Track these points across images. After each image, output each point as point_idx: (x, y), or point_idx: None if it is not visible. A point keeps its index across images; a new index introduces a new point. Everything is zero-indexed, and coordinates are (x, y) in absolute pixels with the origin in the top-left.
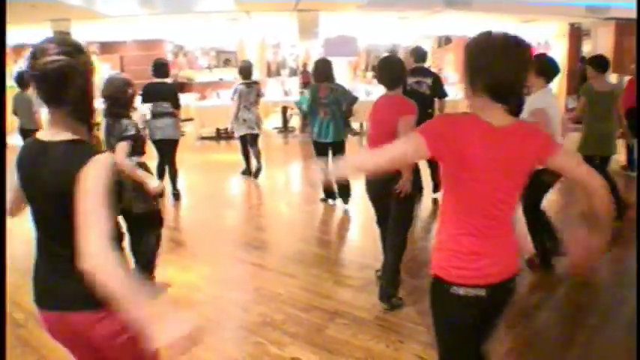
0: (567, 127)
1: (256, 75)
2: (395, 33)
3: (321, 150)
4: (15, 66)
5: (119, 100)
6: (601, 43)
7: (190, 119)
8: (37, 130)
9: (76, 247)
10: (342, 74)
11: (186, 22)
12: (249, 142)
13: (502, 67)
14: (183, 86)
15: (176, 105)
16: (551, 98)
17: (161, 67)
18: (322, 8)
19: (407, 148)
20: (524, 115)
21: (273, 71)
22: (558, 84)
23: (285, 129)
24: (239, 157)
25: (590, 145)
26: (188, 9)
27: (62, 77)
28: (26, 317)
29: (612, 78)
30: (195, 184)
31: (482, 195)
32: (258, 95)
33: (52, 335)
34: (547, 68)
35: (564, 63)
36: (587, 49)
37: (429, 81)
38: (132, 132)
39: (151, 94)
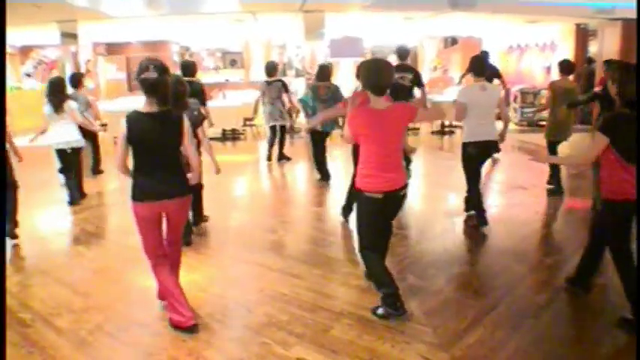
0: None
1: (262, 76)
2: (400, 34)
3: (318, 137)
4: (22, 67)
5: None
6: (608, 43)
7: None
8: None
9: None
10: (348, 75)
11: (192, 23)
12: (277, 132)
13: (374, 77)
14: None
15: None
16: (471, 91)
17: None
18: (328, 9)
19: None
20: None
21: (278, 72)
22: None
23: (291, 129)
24: (245, 157)
25: (552, 132)
26: (194, 10)
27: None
28: (33, 317)
29: None
30: None
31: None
32: (281, 91)
33: None
34: (472, 65)
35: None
36: (593, 49)
37: (410, 76)
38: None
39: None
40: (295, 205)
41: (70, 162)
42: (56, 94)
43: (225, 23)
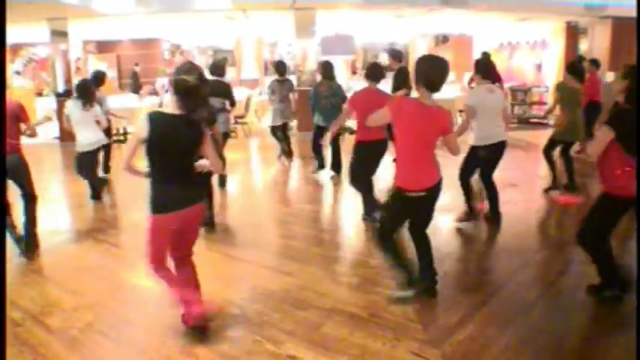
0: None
1: (253, 74)
2: (391, 31)
3: (322, 132)
4: (12, 65)
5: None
6: (598, 41)
7: None
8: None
9: None
10: (339, 73)
11: (183, 21)
12: (281, 130)
13: (431, 74)
14: None
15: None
16: (478, 94)
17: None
18: (319, 7)
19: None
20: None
21: (270, 70)
22: (555, 83)
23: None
24: (237, 155)
25: (563, 133)
26: (185, 7)
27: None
28: (23, 316)
29: (609, 76)
30: None
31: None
32: (290, 89)
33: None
34: (479, 67)
35: (561, 62)
36: (584, 47)
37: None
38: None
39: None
40: (287, 202)
41: (90, 161)
42: (87, 97)
43: (217, 21)
